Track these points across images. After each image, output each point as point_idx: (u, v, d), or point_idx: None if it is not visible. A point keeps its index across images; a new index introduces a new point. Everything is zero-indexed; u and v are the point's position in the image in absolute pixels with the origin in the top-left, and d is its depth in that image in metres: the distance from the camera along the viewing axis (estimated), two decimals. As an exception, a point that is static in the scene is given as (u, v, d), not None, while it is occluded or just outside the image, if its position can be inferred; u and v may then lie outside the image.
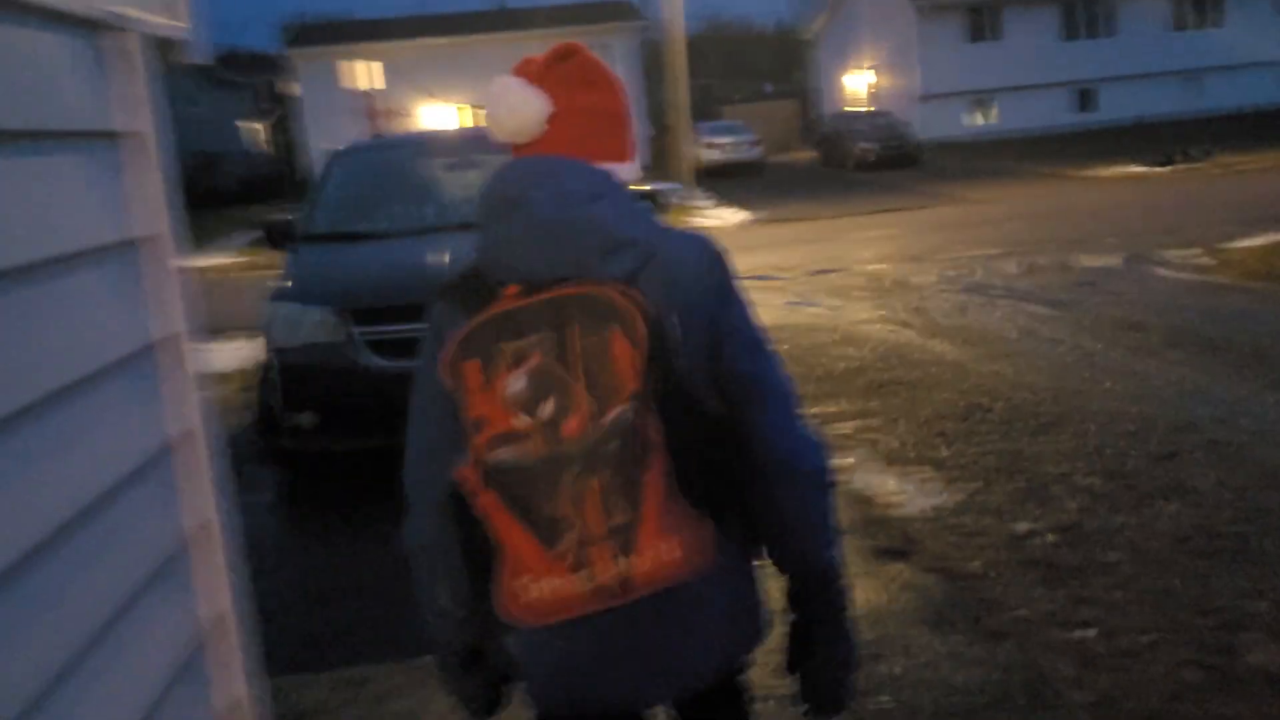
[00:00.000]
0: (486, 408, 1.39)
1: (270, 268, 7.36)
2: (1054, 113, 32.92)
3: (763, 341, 1.57)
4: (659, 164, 31.35)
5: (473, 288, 1.48)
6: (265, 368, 5.49)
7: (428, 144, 7.55)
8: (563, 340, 1.38)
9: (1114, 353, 7.40)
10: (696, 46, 57.11)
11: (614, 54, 32.29)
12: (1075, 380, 6.72)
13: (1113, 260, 11.67)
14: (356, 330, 5.15)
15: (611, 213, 1.47)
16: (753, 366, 1.54)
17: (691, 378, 1.46)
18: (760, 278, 12.04)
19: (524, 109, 1.51)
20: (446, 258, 5.37)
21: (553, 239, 1.44)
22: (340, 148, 6.93)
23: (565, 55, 1.56)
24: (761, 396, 1.53)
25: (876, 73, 35.87)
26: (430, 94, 31.90)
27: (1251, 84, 33.51)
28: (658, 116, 38.22)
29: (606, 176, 1.52)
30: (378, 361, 5.12)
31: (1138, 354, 7.30)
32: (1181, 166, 21.51)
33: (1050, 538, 4.28)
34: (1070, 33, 33.06)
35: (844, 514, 3.89)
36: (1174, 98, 33.32)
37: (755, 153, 29.48)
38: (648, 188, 6.25)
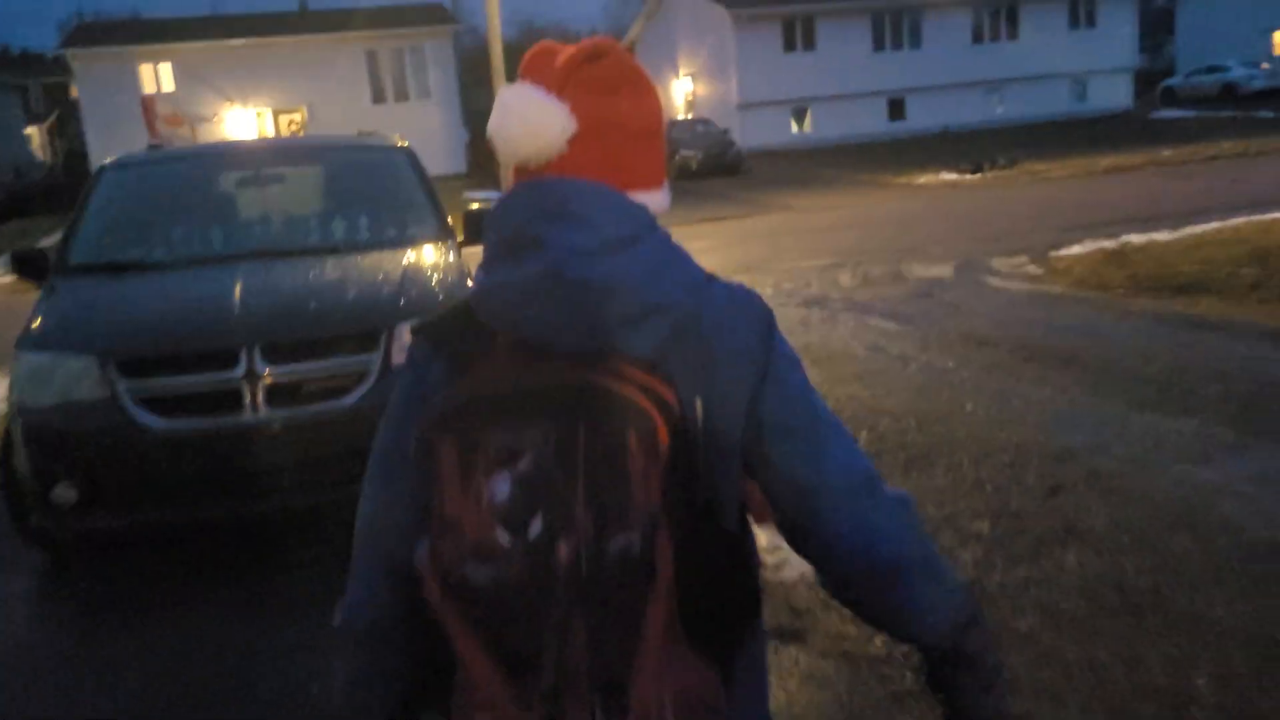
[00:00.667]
0: (460, 508, 1.10)
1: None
2: (867, 122, 33.75)
3: (826, 432, 1.23)
4: (477, 171, 30.50)
5: (462, 331, 1.21)
6: (8, 430, 4.49)
7: (217, 156, 6.60)
8: (565, 439, 1.08)
9: (967, 371, 7.12)
10: (513, 54, 56.39)
11: (427, 58, 31.16)
12: (936, 403, 6.38)
13: (944, 270, 11.62)
14: (124, 384, 4.22)
15: (645, 266, 1.17)
16: (815, 473, 1.21)
17: (717, 488, 1.18)
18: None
19: (545, 128, 1.20)
20: (237, 293, 4.53)
21: (571, 299, 1.14)
22: (108, 160, 5.90)
23: (594, 55, 1.23)
24: (829, 505, 1.21)
25: (695, 81, 35.97)
26: (229, 99, 29.94)
27: (1047, 95, 35.29)
28: (476, 121, 37.35)
29: (643, 214, 1.22)
30: (154, 422, 4.20)
31: (992, 372, 7.04)
32: (991, 174, 22.20)
33: (952, 601, 3.80)
34: (879, 44, 34.00)
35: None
36: (977, 107, 34.72)
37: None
38: (476, 205, 5.60)
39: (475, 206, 5.51)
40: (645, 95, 1.26)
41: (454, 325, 1.23)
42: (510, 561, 1.07)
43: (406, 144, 6.03)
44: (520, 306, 1.15)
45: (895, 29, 34.01)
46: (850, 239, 14.85)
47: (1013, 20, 35.03)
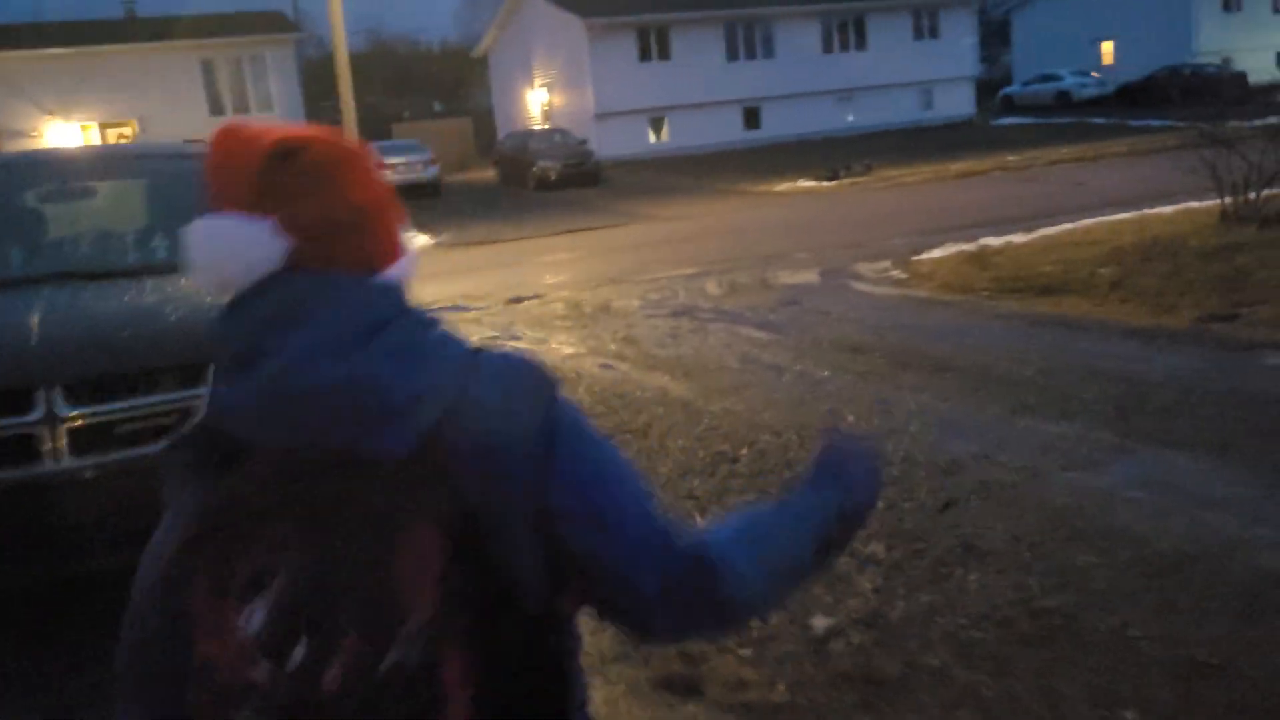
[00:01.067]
0: (215, 647, 1.00)
1: None
2: (723, 131, 33.94)
3: (621, 503, 1.11)
4: (329, 186, 29.31)
5: (210, 447, 1.07)
6: None
7: (18, 166, 5.86)
8: (322, 552, 1.00)
9: (844, 379, 6.92)
10: (360, 64, 54.83)
11: (268, 67, 29.89)
12: (814, 415, 6.13)
13: (810, 276, 11.54)
14: (-106, 434, 3.57)
15: (396, 355, 1.05)
16: (606, 546, 1.09)
17: (512, 570, 1.04)
18: (453, 308, 10.91)
19: (258, 259, 1.06)
20: (35, 323, 3.92)
21: (307, 407, 1.02)
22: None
23: (284, 155, 1.08)
24: (626, 576, 1.10)
25: (550, 91, 35.56)
26: (49, 112, 28.04)
27: (895, 103, 36.21)
28: (324, 136, 36.00)
29: (389, 296, 1.11)
30: (-69, 475, 3.56)
31: (869, 380, 6.86)
32: (847, 180, 22.50)
33: (855, 638, 3.49)
34: (733, 54, 34.25)
35: (600, 632, 2.90)
36: (829, 116, 35.34)
37: (432, 172, 28.12)
38: None
39: None
40: (357, 175, 1.13)
41: (202, 441, 1.09)
42: (273, 697, 0.99)
43: None
44: (256, 420, 1.04)
45: (748, 39, 34.34)
46: (714, 248, 14.70)
47: (860, 31, 35.83)
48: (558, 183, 26.38)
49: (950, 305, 9.07)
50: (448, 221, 21.73)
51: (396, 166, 27.67)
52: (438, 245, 18.71)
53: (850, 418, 6.04)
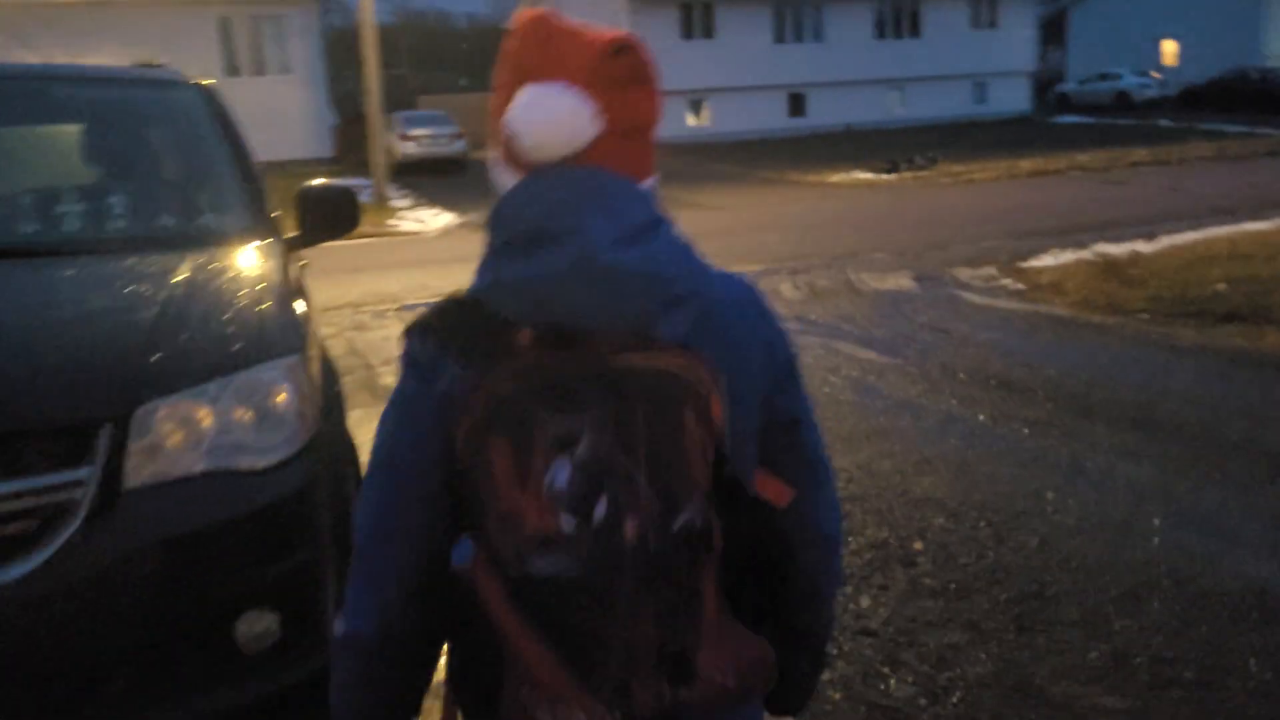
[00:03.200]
0: (520, 502, 1.06)
1: None
2: (766, 116, 32.05)
3: (813, 417, 1.33)
4: (346, 156, 27.76)
5: (476, 326, 1.11)
6: None
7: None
8: (623, 420, 1.06)
9: (1011, 430, 5.24)
10: (387, 36, 53.43)
11: (288, 28, 28.15)
12: (995, 486, 4.46)
13: (903, 281, 9.83)
14: None
15: (671, 251, 1.15)
16: (820, 450, 1.34)
17: (737, 468, 1.18)
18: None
19: (580, 130, 1.15)
20: None
21: (608, 286, 1.09)
22: None
23: (619, 50, 1.17)
24: (825, 482, 1.35)
25: (585, 67, 33.75)
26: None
27: (948, 95, 34.26)
28: (346, 105, 34.38)
29: (655, 200, 1.20)
30: None
31: (1047, 433, 5.17)
32: (908, 174, 20.70)
33: None
34: (780, 35, 32.31)
35: None
36: (878, 105, 33.41)
37: (458, 147, 26.39)
38: (317, 182, 3.41)
39: (315, 183, 3.32)
40: (657, 90, 1.23)
41: (463, 321, 1.13)
42: (577, 547, 1.05)
43: (210, 83, 3.76)
44: (554, 297, 1.09)
45: (797, 20, 32.39)
46: (776, 243, 12.98)
47: (915, 18, 33.82)
48: (592, 164, 24.60)
49: (1105, 330, 7.34)
50: (474, 200, 20.03)
51: (421, 139, 26.00)
52: (464, 225, 17.04)
53: (1049, 494, 4.35)
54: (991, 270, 10.04)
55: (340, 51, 40.95)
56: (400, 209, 18.97)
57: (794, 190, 19.77)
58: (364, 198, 16.80)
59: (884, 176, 20.63)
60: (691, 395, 1.08)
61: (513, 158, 1.19)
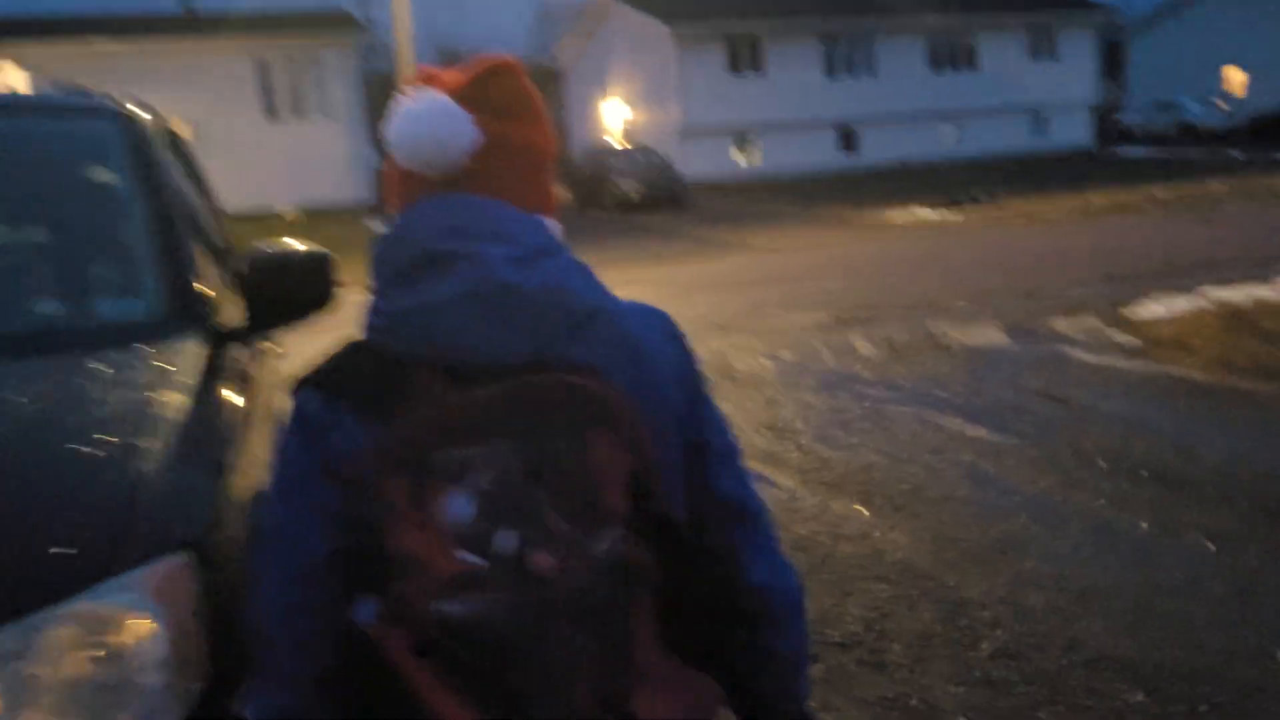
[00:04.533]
0: (422, 543, 0.98)
1: None
2: (817, 153, 30.94)
3: (738, 449, 1.27)
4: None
5: (371, 372, 1.08)
6: None
7: None
8: (527, 446, 1.00)
9: (1190, 545, 4.12)
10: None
11: (328, 69, 27.60)
12: (1214, 640, 3.34)
13: (993, 335, 8.69)
14: None
15: (570, 271, 1.14)
16: (736, 485, 1.25)
17: (664, 502, 1.12)
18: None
19: (455, 136, 1.15)
20: None
21: (509, 309, 1.07)
22: None
23: (495, 72, 1.19)
24: (745, 521, 1.24)
25: (632, 105, 32.94)
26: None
27: (1007, 128, 33.01)
28: (383, 146, 33.80)
29: (554, 230, 1.20)
30: None
31: (1247, 551, 4.03)
32: (974, 212, 19.53)
33: None
34: (831, 69, 31.30)
35: None
36: (934, 140, 32.22)
37: (500, 189, 25.67)
38: (311, 248, 2.41)
39: (272, 247, 2.30)
40: (542, 119, 1.23)
41: (355, 370, 1.09)
42: (488, 586, 0.97)
43: (139, 113, 2.75)
44: (450, 325, 1.07)
45: (849, 54, 31.38)
46: (841, 289, 11.89)
47: (970, 49, 32.69)
48: (640, 205, 23.73)
49: (1263, 402, 6.12)
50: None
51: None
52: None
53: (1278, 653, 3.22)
54: (1094, 321, 8.87)
55: (382, 93, 40.56)
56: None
57: (851, 230, 18.67)
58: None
59: (947, 215, 19.47)
60: (603, 415, 1.02)
61: (397, 189, 1.18)
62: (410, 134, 1.14)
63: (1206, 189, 20.47)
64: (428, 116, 1.13)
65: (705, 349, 8.83)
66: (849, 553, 4.23)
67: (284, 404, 1.18)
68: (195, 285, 2.28)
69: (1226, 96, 36.99)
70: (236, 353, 2.27)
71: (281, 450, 1.12)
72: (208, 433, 1.83)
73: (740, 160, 30.73)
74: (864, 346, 8.58)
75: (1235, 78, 37.99)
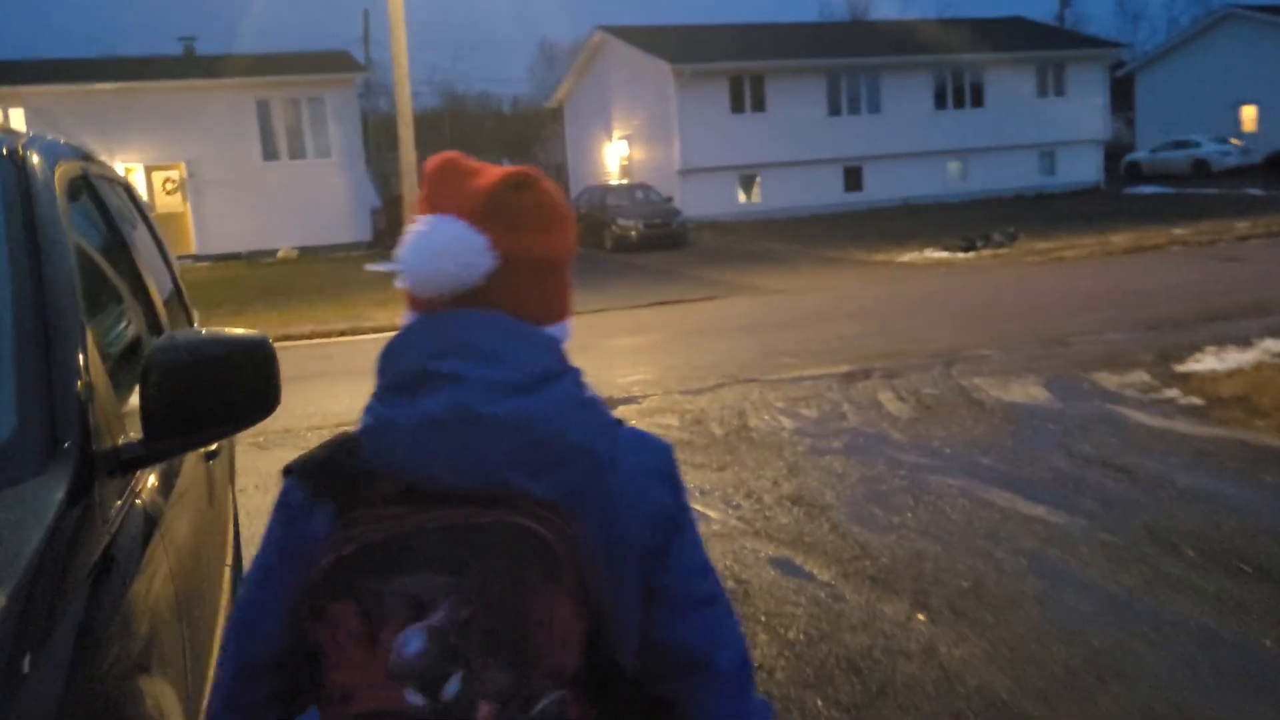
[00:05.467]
0: (360, 672, 0.95)
1: None
2: (821, 192, 30.25)
3: (713, 593, 1.16)
4: (386, 239, 26.45)
5: (348, 471, 1.06)
6: None
7: None
8: (461, 586, 0.97)
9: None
10: (431, 120, 53.07)
11: (328, 110, 27.07)
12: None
13: (1033, 389, 7.93)
14: None
15: (563, 405, 1.09)
16: (694, 634, 1.14)
17: (623, 641, 1.08)
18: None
19: (470, 267, 1.11)
20: None
21: (479, 437, 1.04)
22: None
23: (518, 185, 1.15)
24: (697, 673, 1.13)
25: (631, 144, 32.36)
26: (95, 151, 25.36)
27: (1014, 166, 32.36)
28: (385, 188, 33.27)
29: (557, 349, 1.15)
30: None
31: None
32: (987, 252, 18.81)
33: None
34: (835, 108, 30.72)
35: None
36: (939, 179, 31.56)
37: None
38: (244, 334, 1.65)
39: (185, 336, 1.56)
40: (563, 227, 1.18)
41: (336, 465, 1.07)
42: None
43: (32, 156, 1.99)
44: (420, 444, 1.05)
45: (853, 91, 30.84)
46: (857, 335, 11.15)
47: (977, 86, 32.16)
48: (639, 244, 23.05)
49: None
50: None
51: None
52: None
53: None
54: (1143, 376, 8.11)
55: (384, 135, 40.17)
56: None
57: (861, 271, 17.95)
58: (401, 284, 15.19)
59: (960, 255, 18.75)
60: (545, 562, 0.97)
61: (407, 297, 1.16)
62: (424, 269, 1.11)
63: (1230, 228, 19.78)
64: (442, 250, 1.11)
65: (718, 403, 8.08)
66: (913, 676, 3.44)
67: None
68: (75, 387, 1.53)
69: (1240, 134, 36.46)
70: (119, 491, 1.54)
71: (267, 533, 1.12)
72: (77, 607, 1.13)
73: (742, 198, 30.10)
74: (890, 401, 7.83)
75: (1247, 114, 37.47)
